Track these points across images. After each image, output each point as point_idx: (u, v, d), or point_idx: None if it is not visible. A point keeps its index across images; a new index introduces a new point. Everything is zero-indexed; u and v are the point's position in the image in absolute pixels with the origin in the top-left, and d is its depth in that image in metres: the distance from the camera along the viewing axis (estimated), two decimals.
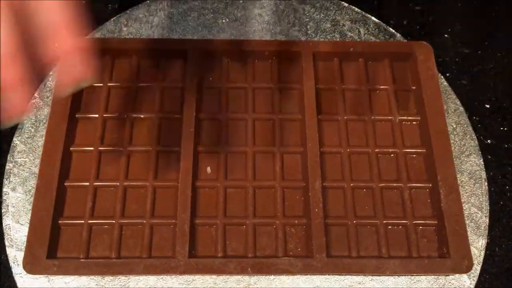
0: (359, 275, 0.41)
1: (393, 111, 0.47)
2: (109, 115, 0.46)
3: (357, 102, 0.47)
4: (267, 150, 0.45)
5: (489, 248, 0.43)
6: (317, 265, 0.40)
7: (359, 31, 0.51)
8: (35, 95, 0.47)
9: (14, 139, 0.45)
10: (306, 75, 0.46)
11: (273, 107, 0.47)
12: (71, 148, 0.44)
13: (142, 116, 0.46)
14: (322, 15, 0.52)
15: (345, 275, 0.41)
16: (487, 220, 0.44)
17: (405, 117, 0.46)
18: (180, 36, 0.51)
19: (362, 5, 0.53)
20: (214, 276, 0.41)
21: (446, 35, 0.53)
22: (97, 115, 0.45)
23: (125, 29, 0.51)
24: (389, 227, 0.43)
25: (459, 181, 0.43)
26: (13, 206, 0.43)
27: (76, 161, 0.44)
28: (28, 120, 0.46)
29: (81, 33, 0.28)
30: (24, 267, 0.39)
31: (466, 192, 0.44)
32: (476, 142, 0.46)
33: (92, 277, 0.40)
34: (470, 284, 0.41)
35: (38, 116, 0.46)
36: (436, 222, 0.42)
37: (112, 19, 0.51)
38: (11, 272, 0.41)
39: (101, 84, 0.47)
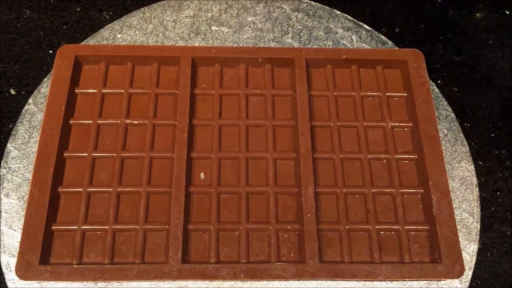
0: (351, 280, 0.41)
1: (385, 118, 0.47)
2: (103, 121, 0.46)
3: (349, 108, 0.48)
4: (260, 156, 0.45)
5: (480, 253, 0.44)
6: (310, 271, 0.40)
7: (351, 39, 0.52)
8: (29, 101, 0.47)
9: (8, 145, 0.45)
10: (299, 82, 0.47)
11: (266, 113, 0.47)
12: (64, 154, 0.44)
13: (135, 122, 0.46)
14: (315, 22, 0.53)
15: (338, 280, 0.41)
16: (479, 225, 0.44)
17: (397, 123, 0.47)
18: (174, 43, 0.51)
19: (355, 13, 0.53)
20: (207, 282, 0.41)
21: (437, 43, 0.53)
22: (91, 121, 0.46)
23: (119, 36, 0.51)
24: (381, 232, 0.43)
25: (450, 187, 0.44)
26: (6, 212, 0.43)
27: (70, 167, 0.44)
28: (22, 126, 0.46)
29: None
30: (17, 273, 0.39)
31: (458, 198, 0.45)
32: (467, 148, 0.47)
33: (85, 283, 0.40)
34: None
35: (32, 122, 0.46)
36: (428, 227, 0.43)
37: (106, 26, 0.52)
38: (4, 278, 0.41)
39: (95, 90, 0.47)
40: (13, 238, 0.42)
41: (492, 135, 0.49)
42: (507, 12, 0.56)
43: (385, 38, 0.52)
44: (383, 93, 0.48)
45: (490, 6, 0.56)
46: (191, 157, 0.45)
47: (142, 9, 0.53)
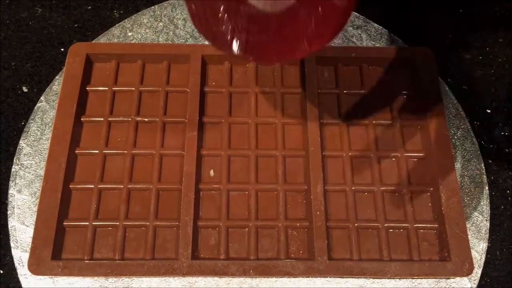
0: (360, 277, 0.41)
1: (394, 116, 0.47)
2: (114, 118, 0.46)
3: (358, 106, 0.48)
4: (270, 154, 0.45)
5: (490, 251, 0.43)
6: (319, 268, 0.40)
7: (361, 37, 0.52)
8: (41, 98, 0.48)
9: (20, 141, 0.46)
10: (308, 80, 0.47)
11: (275, 111, 0.47)
12: (76, 151, 0.45)
13: (146, 119, 0.46)
14: None
15: (347, 277, 0.41)
16: (488, 224, 0.44)
17: (406, 122, 0.47)
18: (184, 41, 0.51)
19: (364, 11, 0.53)
20: (216, 278, 0.41)
21: (447, 41, 0.53)
22: (102, 119, 0.46)
23: (130, 34, 0.52)
24: (390, 230, 0.43)
25: (460, 185, 0.44)
26: (19, 208, 0.43)
27: (81, 163, 0.45)
28: (34, 123, 0.47)
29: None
30: (29, 268, 0.39)
31: (467, 196, 0.45)
32: (477, 146, 0.47)
33: (96, 278, 0.41)
34: (471, 287, 0.41)
35: (44, 119, 0.47)
36: (437, 225, 0.43)
37: (117, 24, 0.52)
38: (16, 273, 0.41)
39: (106, 88, 0.48)
40: (26, 234, 0.42)
41: (502, 133, 0.49)
42: None
43: (395, 36, 0.52)
44: (393, 91, 0.48)
45: (501, 3, 0.56)
46: (200, 155, 0.45)
47: (153, 7, 0.53)
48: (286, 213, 0.43)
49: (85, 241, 0.42)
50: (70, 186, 0.43)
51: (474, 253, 0.42)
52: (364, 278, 0.41)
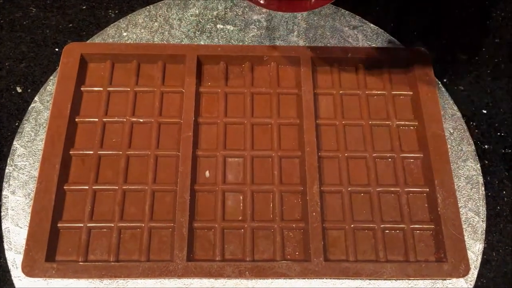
0: (356, 279, 0.41)
1: (390, 116, 0.47)
2: (109, 119, 0.46)
3: (355, 107, 0.48)
4: (265, 154, 0.45)
5: (486, 252, 0.43)
6: (315, 269, 0.40)
7: (357, 37, 0.52)
8: (35, 99, 0.48)
9: (14, 142, 0.46)
10: (304, 80, 0.47)
11: (271, 111, 0.47)
12: (70, 152, 0.44)
13: (141, 120, 0.46)
14: (321, 21, 0.53)
15: (343, 279, 0.41)
16: (484, 224, 0.44)
17: (403, 122, 0.47)
18: (179, 41, 0.51)
19: (361, 11, 0.53)
20: (212, 280, 0.41)
21: (443, 41, 0.53)
22: (96, 119, 0.46)
23: (125, 34, 0.51)
24: (387, 231, 0.43)
25: (456, 186, 0.44)
26: (13, 209, 0.43)
27: (76, 164, 0.44)
28: (28, 124, 0.46)
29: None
30: (23, 270, 0.39)
31: (463, 197, 0.45)
32: (473, 147, 0.47)
33: (90, 280, 0.40)
34: None
35: (38, 120, 0.47)
36: (433, 226, 0.42)
37: (112, 24, 0.52)
38: (10, 275, 0.41)
39: (101, 88, 0.47)
40: (19, 235, 0.42)
41: (498, 134, 0.49)
42: None
43: (391, 37, 0.52)
44: (389, 91, 0.48)
45: (497, 4, 0.56)
46: (196, 155, 0.45)
47: (148, 7, 0.53)
48: (282, 214, 0.43)
49: (80, 243, 0.41)
50: (65, 187, 0.43)
51: (470, 254, 0.42)
52: (360, 279, 0.41)
